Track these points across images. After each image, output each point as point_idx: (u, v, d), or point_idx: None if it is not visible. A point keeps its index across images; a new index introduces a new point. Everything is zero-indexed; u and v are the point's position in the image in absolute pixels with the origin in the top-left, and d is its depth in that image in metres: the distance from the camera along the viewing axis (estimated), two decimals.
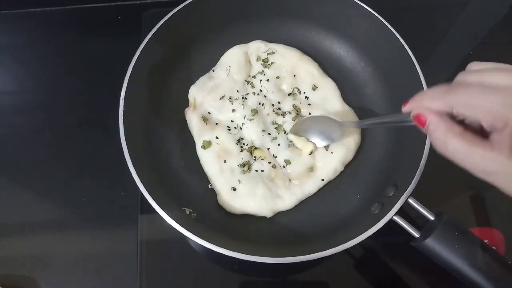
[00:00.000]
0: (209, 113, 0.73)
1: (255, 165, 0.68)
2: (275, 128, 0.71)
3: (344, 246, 0.54)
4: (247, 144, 0.70)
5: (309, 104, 0.74)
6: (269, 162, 0.68)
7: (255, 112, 0.71)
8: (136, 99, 0.66)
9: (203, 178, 0.68)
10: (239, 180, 0.66)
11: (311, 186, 0.68)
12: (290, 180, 0.68)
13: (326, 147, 0.69)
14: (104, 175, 0.73)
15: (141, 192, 0.57)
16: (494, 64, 0.40)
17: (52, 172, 0.73)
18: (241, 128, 0.71)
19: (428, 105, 0.41)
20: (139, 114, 0.68)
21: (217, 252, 0.53)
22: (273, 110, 0.72)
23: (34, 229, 0.69)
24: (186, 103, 0.75)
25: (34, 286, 0.65)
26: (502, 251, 0.68)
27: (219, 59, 0.78)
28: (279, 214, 0.67)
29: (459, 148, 0.39)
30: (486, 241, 0.65)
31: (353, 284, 0.66)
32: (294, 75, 0.76)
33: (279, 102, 0.73)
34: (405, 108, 0.45)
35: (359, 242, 0.54)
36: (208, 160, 0.68)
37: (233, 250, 0.53)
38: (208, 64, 0.78)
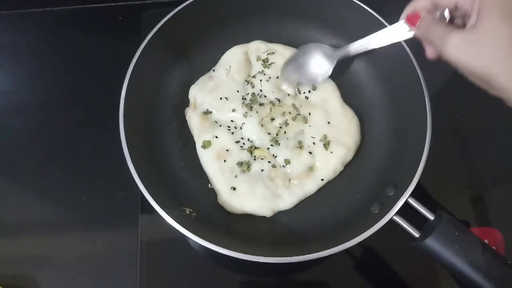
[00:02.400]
0: (210, 112, 0.73)
1: (255, 165, 0.68)
2: (275, 128, 0.71)
3: (344, 246, 0.54)
4: (247, 144, 0.70)
5: (309, 104, 0.74)
6: (269, 162, 0.68)
7: (255, 112, 0.71)
8: (136, 99, 0.66)
9: (203, 178, 0.69)
10: (239, 180, 0.66)
11: (311, 185, 0.68)
12: (290, 179, 0.68)
13: (326, 146, 0.69)
14: (104, 175, 0.73)
15: (141, 192, 0.57)
16: None
17: (52, 172, 0.73)
18: (241, 128, 0.71)
19: (417, 4, 0.53)
20: (139, 114, 0.68)
21: (217, 252, 0.53)
22: (273, 110, 0.72)
23: (34, 229, 0.69)
24: (186, 103, 0.75)
25: (34, 286, 0.65)
26: (502, 251, 0.68)
27: (219, 59, 0.78)
28: (279, 214, 0.67)
29: (438, 28, 0.48)
30: (486, 241, 0.65)
31: (353, 284, 0.66)
32: None
33: (279, 101, 0.73)
34: (402, 16, 0.56)
35: (359, 242, 0.54)
36: (208, 160, 0.68)
37: (233, 250, 0.53)
38: (208, 64, 0.78)
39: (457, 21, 0.52)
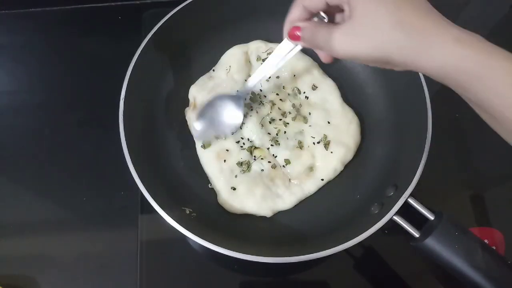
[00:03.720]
0: None
1: (255, 165, 0.68)
2: (275, 127, 0.71)
3: (344, 246, 0.54)
4: (247, 144, 0.70)
5: (309, 104, 0.74)
6: (269, 162, 0.68)
7: (255, 111, 0.71)
8: (136, 99, 0.66)
9: (203, 178, 0.69)
10: (239, 180, 0.66)
11: (310, 185, 0.68)
12: (289, 179, 0.68)
13: (326, 146, 0.69)
14: (104, 175, 0.73)
15: (141, 192, 0.57)
16: None
17: (52, 172, 0.73)
18: (241, 128, 0.71)
19: (291, 18, 0.50)
20: (139, 114, 0.68)
21: (217, 252, 0.53)
22: (273, 110, 0.72)
23: (34, 229, 0.69)
24: (186, 103, 0.75)
25: (34, 286, 0.65)
26: (502, 251, 0.68)
27: (219, 59, 0.78)
28: (279, 214, 0.67)
29: (321, 32, 0.46)
30: (486, 241, 0.65)
31: (353, 284, 0.66)
32: (294, 75, 0.76)
33: (279, 101, 0.73)
34: (284, 35, 0.53)
35: (359, 242, 0.54)
36: (208, 160, 0.68)
37: (233, 250, 0.53)
38: (208, 64, 0.78)
39: (338, 18, 0.51)
